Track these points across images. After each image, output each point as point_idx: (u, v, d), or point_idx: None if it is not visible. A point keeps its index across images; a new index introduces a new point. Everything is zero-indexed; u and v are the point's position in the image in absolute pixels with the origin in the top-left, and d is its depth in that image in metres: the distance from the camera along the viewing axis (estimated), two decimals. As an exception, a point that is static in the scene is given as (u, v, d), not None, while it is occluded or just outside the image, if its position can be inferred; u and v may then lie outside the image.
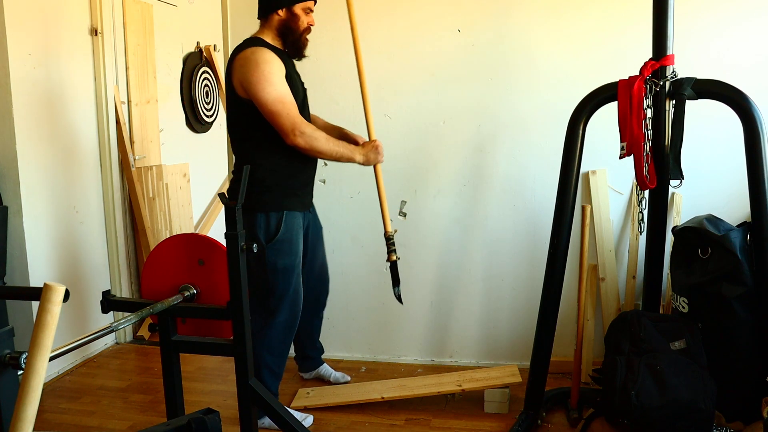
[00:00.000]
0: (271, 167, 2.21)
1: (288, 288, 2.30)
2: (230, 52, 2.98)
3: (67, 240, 3.03)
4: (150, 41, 3.66)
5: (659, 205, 2.34)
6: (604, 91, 2.25)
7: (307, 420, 2.41)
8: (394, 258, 2.46)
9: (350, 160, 2.30)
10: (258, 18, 2.25)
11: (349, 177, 2.91)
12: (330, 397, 2.58)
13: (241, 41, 2.24)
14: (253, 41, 2.17)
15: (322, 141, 2.20)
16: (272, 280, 2.25)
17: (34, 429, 1.01)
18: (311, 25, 2.25)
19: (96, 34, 3.16)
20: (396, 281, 2.49)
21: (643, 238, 2.61)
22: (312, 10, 2.23)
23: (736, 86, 2.11)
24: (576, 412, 2.41)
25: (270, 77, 2.09)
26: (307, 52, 2.33)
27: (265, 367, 2.34)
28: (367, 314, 3.08)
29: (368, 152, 2.33)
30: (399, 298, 2.52)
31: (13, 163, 2.71)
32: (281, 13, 2.18)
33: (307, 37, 2.25)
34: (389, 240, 2.45)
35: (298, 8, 2.18)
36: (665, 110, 2.20)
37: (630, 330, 2.28)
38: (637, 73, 2.18)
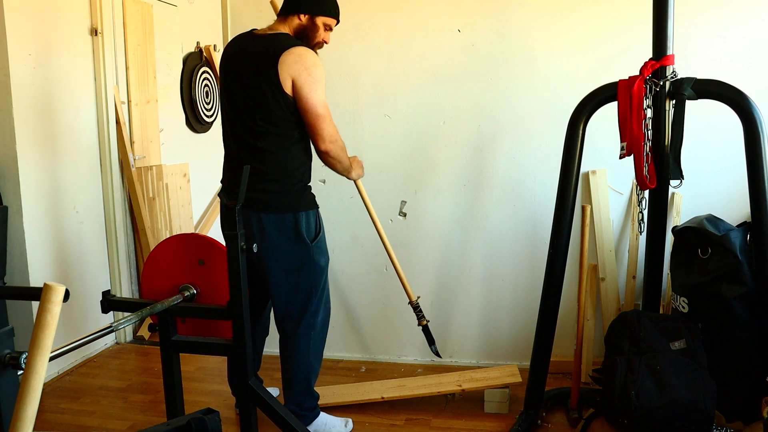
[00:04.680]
0: (303, 166, 2.21)
1: (325, 286, 2.31)
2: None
3: (67, 240, 3.03)
4: (150, 41, 3.66)
5: (659, 205, 2.34)
6: (604, 91, 2.25)
7: (348, 424, 2.39)
8: (425, 322, 2.68)
9: (347, 173, 2.33)
10: (279, 15, 2.21)
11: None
12: (330, 397, 2.57)
13: (267, 33, 2.15)
14: (293, 39, 2.13)
15: (345, 153, 2.22)
16: (315, 280, 2.24)
17: (34, 429, 1.01)
18: (325, 42, 2.23)
19: (96, 34, 3.16)
20: (431, 340, 2.71)
21: (643, 238, 2.61)
22: (331, 29, 2.22)
23: (736, 86, 2.11)
24: (576, 412, 2.41)
25: (323, 80, 2.10)
26: None
27: (312, 374, 2.31)
28: (367, 314, 3.08)
29: (357, 168, 2.39)
30: (437, 354, 2.76)
31: (13, 163, 2.71)
32: (303, 18, 2.15)
33: (317, 51, 2.22)
34: (416, 308, 2.66)
35: (319, 20, 2.16)
36: (665, 110, 2.20)
37: (630, 330, 2.28)
38: (637, 73, 2.18)
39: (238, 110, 2.14)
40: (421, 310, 2.67)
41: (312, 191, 2.26)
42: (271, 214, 2.13)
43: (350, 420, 2.41)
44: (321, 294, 2.28)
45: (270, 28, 2.19)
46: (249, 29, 2.23)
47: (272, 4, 2.43)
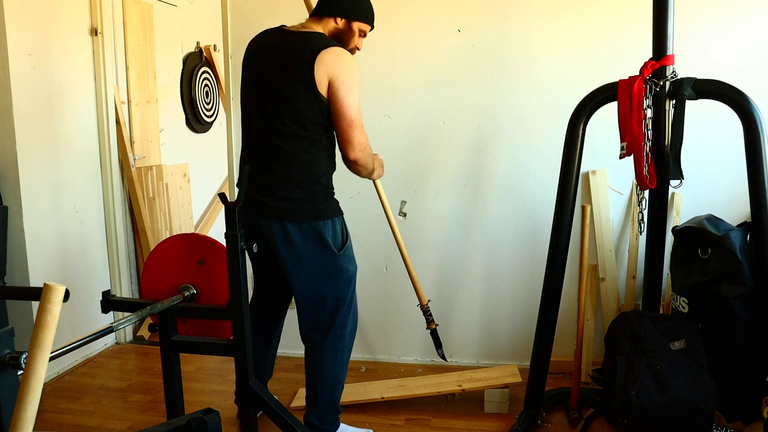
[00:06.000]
0: (328, 173, 2.14)
1: (354, 295, 2.23)
2: (231, 50, 3.00)
3: (67, 240, 3.03)
4: (150, 41, 3.66)
5: (659, 205, 2.34)
6: (604, 91, 2.25)
7: None
8: (434, 326, 2.66)
9: (370, 177, 2.25)
10: (313, 15, 2.14)
11: (349, 177, 2.89)
12: (330, 397, 2.57)
13: (301, 30, 2.06)
14: (330, 39, 2.06)
15: (371, 159, 2.14)
16: (343, 290, 2.16)
17: (34, 429, 1.01)
18: (358, 49, 2.17)
19: (96, 34, 3.16)
20: (438, 344, 2.69)
21: (643, 238, 2.61)
22: (365, 35, 2.17)
23: (736, 86, 2.11)
24: (576, 412, 2.41)
25: (358, 85, 2.03)
26: None
27: (338, 387, 2.23)
28: (367, 314, 3.08)
29: (378, 169, 2.30)
30: (443, 357, 2.74)
31: (13, 163, 2.71)
32: (339, 22, 2.08)
33: None
34: (426, 311, 2.64)
35: (356, 26, 2.11)
36: (665, 110, 2.20)
37: (630, 330, 2.28)
38: (637, 73, 2.18)
39: (266, 109, 2.05)
40: (431, 314, 2.65)
41: (335, 198, 2.18)
42: (295, 223, 2.05)
43: (371, 431, 2.36)
44: (349, 304, 2.20)
45: (303, 26, 2.11)
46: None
47: (306, 1, 2.36)
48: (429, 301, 2.67)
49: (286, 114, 2.01)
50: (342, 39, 2.10)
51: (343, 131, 2.02)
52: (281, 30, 2.11)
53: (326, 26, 2.09)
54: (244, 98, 2.17)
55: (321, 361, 2.18)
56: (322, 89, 1.98)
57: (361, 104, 2.96)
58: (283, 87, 2.01)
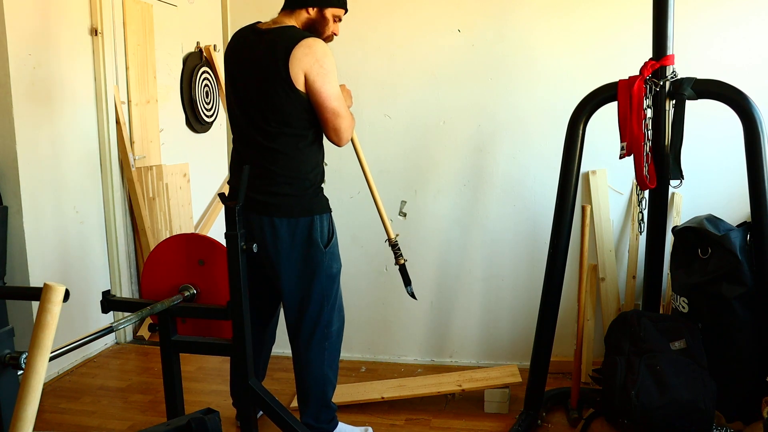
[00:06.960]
0: (317, 168, 2.14)
1: (338, 293, 2.22)
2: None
3: (67, 240, 3.03)
4: (150, 41, 3.66)
5: (659, 205, 2.34)
6: (604, 91, 2.25)
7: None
8: (402, 261, 2.54)
9: None
10: (284, 8, 2.13)
11: (349, 177, 2.91)
12: (330, 397, 2.57)
13: (273, 27, 2.06)
14: (301, 31, 2.05)
15: (353, 129, 2.15)
16: (329, 288, 2.16)
17: (34, 429, 1.01)
18: (335, 34, 2.16)
19: (96, 34, 3.16)
20: (407, 281, 2.56)
21: (643, 238, 2.61)
22: (340, 19, 2.15)
23: (736, 86, 2.11)
24: (576, 412, 2.41)
25: (335, 71, 2.01)
26: None
27: (329, 386, 2.22)
28: (367, 314, 3.08)
29: (348, 100, 2.23)
30: (412, 295, 2.58)
31: (13, 163, 2.71)
32: (311, 11, 2.07)
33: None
34: (395, 246, 2.52)
35: (329, 12, 2.09)
36: (665, 110, 2.20)
37: (630, 330, 2.28)
38: (637, 73, 2.18)
39: (248, 111, 2.05)
40: (399, 249, 2.52)
41: (323, 194, 2.18)
42: (284, 218, 2.05)
43: (370, 428, 2.36)
44: (334, 302, 2.19)
45: (275, 21, 2.10)
46: (250, 23, 2.18)
47: None
48: (397, 235, 2.55)
49: (270, 115, 2.02)
50: (317, 28, 2.09)
51: (327, 121, 2.03)
52: (254, 28, 2.11)
53: (299, 18, 2.08)
54: (228, 100, 2.17)
55: (309, 360, 2.18)
56: (300, 85, 1.98)
57: (360, 104, 2.97)
58: (262, 89, 2.01)
